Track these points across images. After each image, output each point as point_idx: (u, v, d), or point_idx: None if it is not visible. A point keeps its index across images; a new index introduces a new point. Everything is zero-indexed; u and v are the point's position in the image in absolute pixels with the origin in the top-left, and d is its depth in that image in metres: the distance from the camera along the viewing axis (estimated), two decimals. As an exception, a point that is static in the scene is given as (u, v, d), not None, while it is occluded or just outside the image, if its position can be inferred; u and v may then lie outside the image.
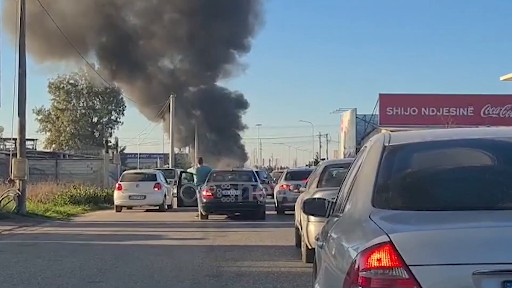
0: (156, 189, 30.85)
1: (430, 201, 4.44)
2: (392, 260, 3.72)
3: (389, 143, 4.89)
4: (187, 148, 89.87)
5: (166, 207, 31.30)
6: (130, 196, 30.58)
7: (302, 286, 10.34)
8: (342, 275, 4.02)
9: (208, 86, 76.37)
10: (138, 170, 41.14)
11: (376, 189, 4.47)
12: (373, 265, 3.75)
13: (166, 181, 33.30)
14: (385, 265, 3.73)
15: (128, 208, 31.51)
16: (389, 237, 3.77)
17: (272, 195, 30.99)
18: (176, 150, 78.54)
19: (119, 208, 30.87)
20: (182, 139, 77.74)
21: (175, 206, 30.57)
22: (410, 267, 3.69)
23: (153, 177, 31.84)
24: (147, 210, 31.04)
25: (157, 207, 30.94)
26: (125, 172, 35.96)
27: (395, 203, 4.40)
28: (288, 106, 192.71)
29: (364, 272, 3.77)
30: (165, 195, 31.35)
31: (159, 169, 44.45)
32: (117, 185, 31.60)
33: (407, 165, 4.88)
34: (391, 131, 30.63)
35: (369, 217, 4.19)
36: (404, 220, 4.18)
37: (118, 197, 30.82)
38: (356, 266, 3.82)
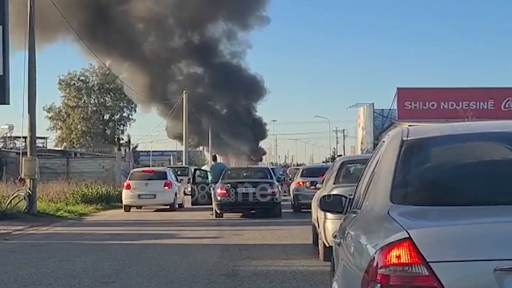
0: (166, 187, 30.26)
1: (450, 196, 4.43)
2: (412, 256, 3.71)
3: (407, 137, 4.87)
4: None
5: (177, 206, 30.84)
6: (139, 195, 29.99)
7: (320, 285, 10.36)
8: (361, 273, 4.01)
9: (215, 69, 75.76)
10: (147, 168, 40.47)
11: (394, 184, 4.46)
12: (392, 262, 3.74)
13: (177, 179, 32.90)
14: (405, 262, 3.72)
15: (137, 208, 31.18)
16: (408, 233, 3.76)
17: (288, 192, 31.12)
18: (190, 148, 78.52)
19: (127, 208, 30.29)
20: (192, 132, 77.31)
21: (186, 205, 30.56)
22: (430, 263, 3.68)
23: (163, 175, 31.33)
24: (157, 210, 30.76)
25: (168, 207, 30.51)
26: (134, 170, 35.43)
27: (414, 199, 4.38)
28: (304, 101, 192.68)
29: (383, 269, 3.76)
30: (176, 194, 30.79)
31: (170, 167, 44.42)
32: (125, 184, 30.97)
33: (426, 159, 4.87)
34: (410, 125, 30.60)
35: (388, 213, 4.19)
36: (423, 216, 4.17)
37: (126, 196, 30.18)
38: (375, 264, 3.81)
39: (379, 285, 3.76)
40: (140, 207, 31.24)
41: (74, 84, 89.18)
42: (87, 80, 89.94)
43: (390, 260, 3.75)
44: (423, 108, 51.41)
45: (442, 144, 5.05)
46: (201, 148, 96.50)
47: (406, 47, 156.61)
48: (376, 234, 4.13)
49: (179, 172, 43.30)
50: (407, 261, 3.72)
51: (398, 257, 3.73)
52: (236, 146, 76.79)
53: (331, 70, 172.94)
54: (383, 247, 3.80)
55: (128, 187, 30.26)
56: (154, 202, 30.42)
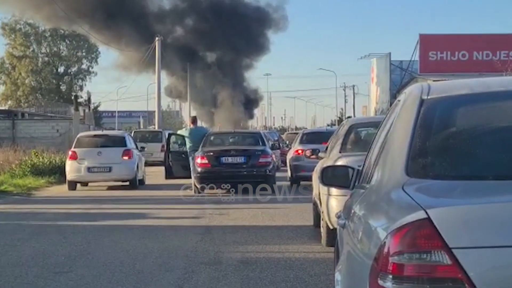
0: (125, 157, 27.93)
1: (479, 168, 4.41)
2: (431, 241, 3.69)
3: (428, 95, 4.84)
4: (177, 101, 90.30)
5: (137, 183, 28.46)
6: (89, 168, 27.58)
7: (322, 275, 10.40)
8: (369, 261, 4.01)
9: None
10: (99, 132, 36.86)
11: (411, 153, 4.44)
12: (406, 248, 3.73)
13: (137, 147, 30.52)
14: (422, 248, 3.71)
15: (82, 185, 28.79)
16: (427, 213, 3.75)
17: (285, 162, 31.28)
18: (164, 107, 78.49)
19: (72, 185, 27.95)
20: (173, 90, 78.29)
21: (153, 180, 30.06)
22: (452, 250, 3.67)
23: (120, 141, 28.99)
24: (112, 187, 28.81)
25: (127, 183, 28.43)
26: (81, 134, 31.35)
27: (435, 171, 4.37)
28: (305, 51, 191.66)
29: (396, 257, 3.75)
30: (137, 166, 28.54)
31: (139, 131, 44.08)
32: (70, 153, 28.28)
33: (451, 123, 4.83)
34: (434, 81, 30.67)
35: (402, 189, 4.18)
36: (445, 192, 4.16)
37: (71, 169, 27.64)
38: (386, 250, 3.80)
39: (390, 276, 3.75)
40: (86, 183, 29.00)
41: (20, 29, 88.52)
42: (37, 25, 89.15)
43: (405, 245, 3.73)
44: (451, 59, 51.39)
45: (470, 104, 5.00)
46: (178, 108, 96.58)
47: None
48: (388, 214, 4.13)
49: (150, 138, 43.25)
50: (425, 247, 3.71)
51: (414, 242, 3.72)
52: (224, 107, 77.11)
53: (340, 15, 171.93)
54: (395, 229, 3.79)
55: (74, 156, 27.81)
56: (109, 177, 28.30)
